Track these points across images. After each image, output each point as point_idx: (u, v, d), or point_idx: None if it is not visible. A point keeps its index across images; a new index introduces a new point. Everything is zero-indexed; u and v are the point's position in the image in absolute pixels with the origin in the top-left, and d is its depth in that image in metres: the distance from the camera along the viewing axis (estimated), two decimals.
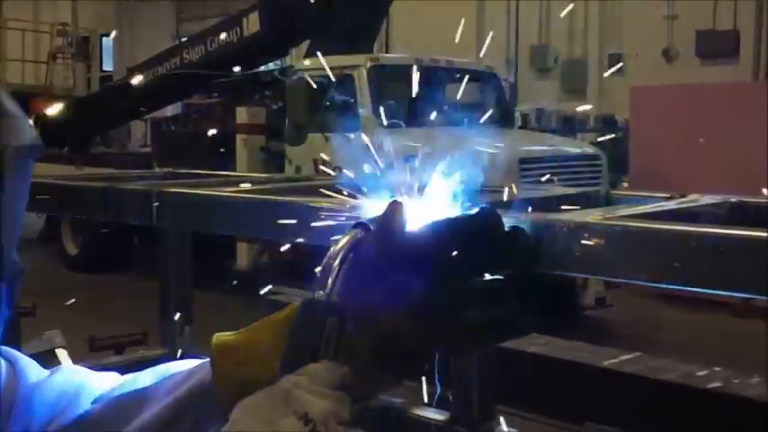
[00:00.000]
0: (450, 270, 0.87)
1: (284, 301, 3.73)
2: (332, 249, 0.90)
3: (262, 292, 4.51)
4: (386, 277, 0.87)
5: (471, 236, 0.88)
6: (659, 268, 0.92)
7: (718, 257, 0.88)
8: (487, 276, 0.88)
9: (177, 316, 2.44)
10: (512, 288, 0.89)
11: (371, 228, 0.91)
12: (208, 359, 0.99)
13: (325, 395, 0.82)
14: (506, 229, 0.91)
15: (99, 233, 11.27)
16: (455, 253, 0.87)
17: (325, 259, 0.90)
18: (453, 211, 0.94)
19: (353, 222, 0.93)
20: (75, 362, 3.67)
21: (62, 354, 3.87)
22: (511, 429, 2.01)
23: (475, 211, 0.91)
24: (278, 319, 0.95)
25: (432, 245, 0.87)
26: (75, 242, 11.83)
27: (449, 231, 0.88)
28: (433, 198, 0.96)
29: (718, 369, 2.97)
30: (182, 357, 2.39)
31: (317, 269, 0.90)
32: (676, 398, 2.80)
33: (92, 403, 1.06)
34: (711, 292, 0.92)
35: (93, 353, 4.67)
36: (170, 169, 2.55)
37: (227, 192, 1.65)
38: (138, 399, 1.03)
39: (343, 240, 0.90)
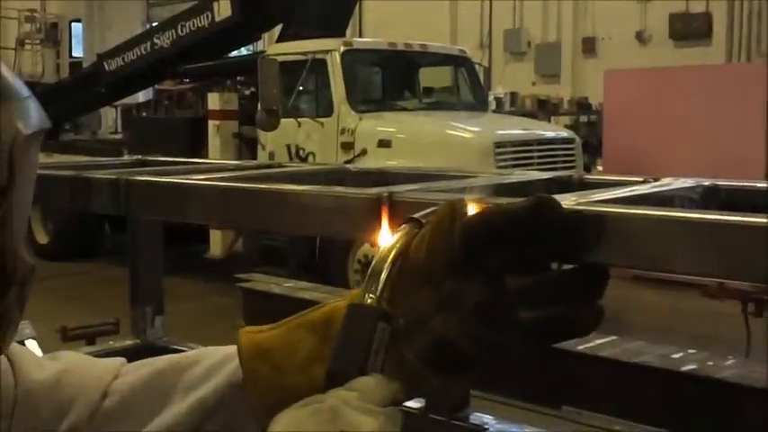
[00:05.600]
0: (511, 266, 0.80)
1: (259, 289, 3.71)
2: (381, 249, 0.83)
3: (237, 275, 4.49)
4: (440, 279, 0.81)
5: (532, 226, 0.79)
6: (634, 253, 0.91)
7: (693, 241, 0.88)
8: (549, 268, 0.82)
9: (148, 306, 2.41)
10: (574, 280, 0.82)
11: (423, 223, 0.84)
12: (233, 350, 0.92)
13: (376, 414, 0.74)
14: (567, 213, 0.83)
15: (69, 221, 11.20)
16: (516, 246, 0.79)
17: (374, 260, 0.83)
18: (506, 202, 0.85)
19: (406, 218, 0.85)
20: (44, 353, 3.63)
21: (32, 345, 3.83)
22: (486, 415, 2.00)
23: (530, 199, 0.81)
24: (315, 320, 0.88)
25: (491, 240, 0.80)
26: (46, 230, 11.73)
27: (509, 223, 0.80)
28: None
29: (692, 351, 2.99)
30: (153, 348, 2.38)
31: (368, 271, 0.82)
32: (652, 380, 2.81)
33: (102, 397, 0.98)
34: (687, 276, 0.92)
35: (64, 343, 4.63)
36: (140, 156, 2.51)
37: (196, 179, 1.62)
38: (154, 395, 0.96)
39: (394, 239, 0.83)
